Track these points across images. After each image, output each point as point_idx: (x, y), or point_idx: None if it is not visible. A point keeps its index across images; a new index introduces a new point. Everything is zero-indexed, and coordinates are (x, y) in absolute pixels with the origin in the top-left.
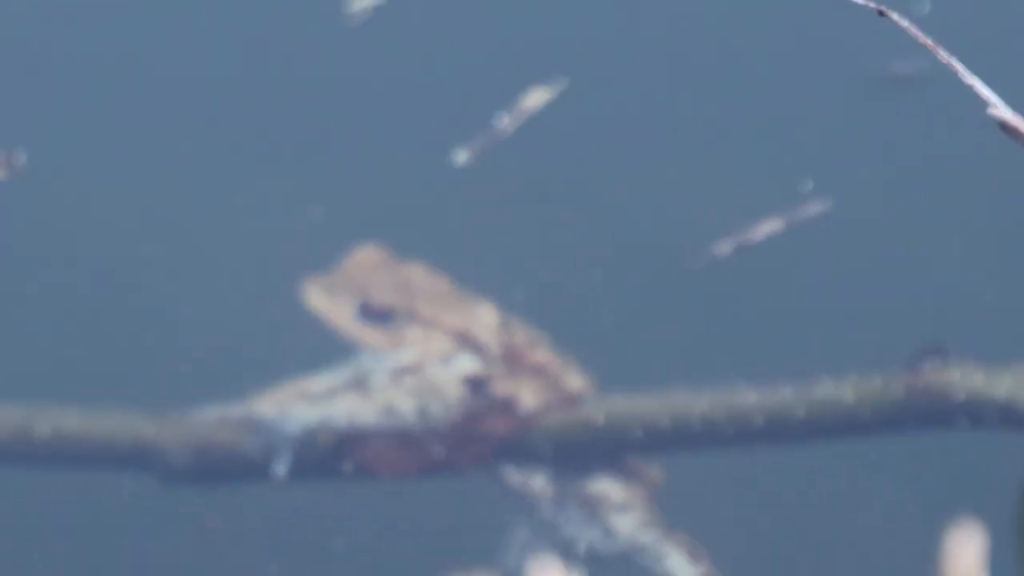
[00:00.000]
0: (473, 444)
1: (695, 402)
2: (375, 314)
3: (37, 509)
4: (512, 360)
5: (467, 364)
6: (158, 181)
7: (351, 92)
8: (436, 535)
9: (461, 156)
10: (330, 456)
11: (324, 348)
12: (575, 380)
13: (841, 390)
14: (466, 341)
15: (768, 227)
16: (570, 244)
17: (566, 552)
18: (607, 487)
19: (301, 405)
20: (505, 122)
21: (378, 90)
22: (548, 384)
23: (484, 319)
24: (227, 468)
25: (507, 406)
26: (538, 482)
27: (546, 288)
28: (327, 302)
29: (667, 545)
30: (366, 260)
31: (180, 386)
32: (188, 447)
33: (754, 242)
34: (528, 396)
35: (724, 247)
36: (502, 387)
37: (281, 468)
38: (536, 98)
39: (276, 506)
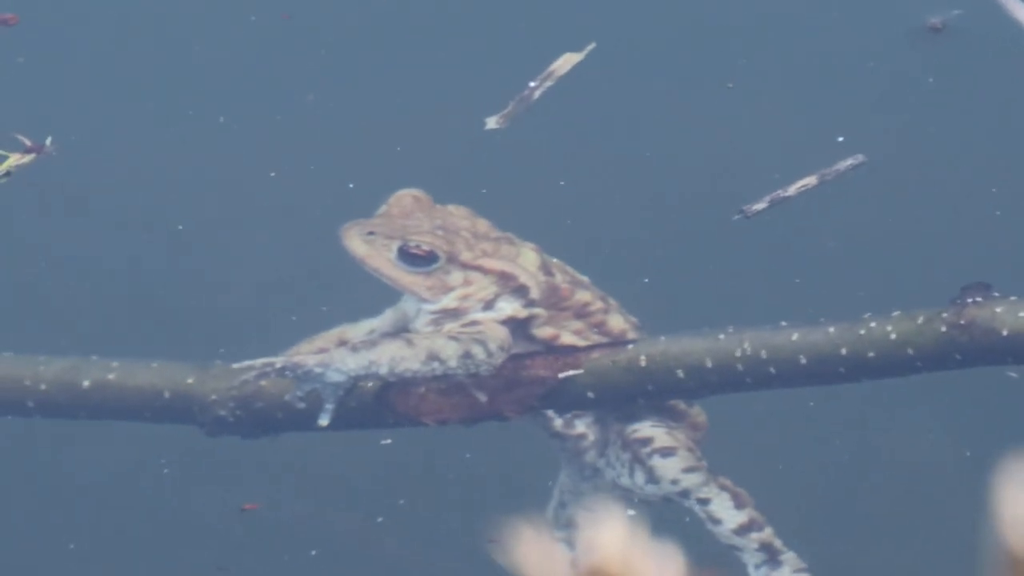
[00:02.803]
0: (517, 389)
1: (738, 342)
2: (415, 258)
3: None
4: (554, 302)
5: (509, 307)
6: (207, 144)
7: (387, 60)
8: (481, 481)
9: (492, 121)
10: (374, 404)
11: (365, 294)
12: (617, 321)
13: (884, 328)
14: (508, 284)
15: (803, 183)
16: (614, 198)
17: (610, 496)
18: (650, 430)
19: (343, 353)
20: (534, 86)
21: (411, 60)
22: (591, 325)
23: (526, 261)
24: (271, 418)
25: (550, 348)
26: (581, 426)
27: (588, 239)
28: (367, 246)
29: (711, 489)
30: (406, 203)
31: (224, 337)
32: (232, 397)
33: (788, 197)
34: (570, 337)
35: (759, 203)
36: (544, 330)
37: (325, 417)
38: (566, 62)
39: (320, 454)
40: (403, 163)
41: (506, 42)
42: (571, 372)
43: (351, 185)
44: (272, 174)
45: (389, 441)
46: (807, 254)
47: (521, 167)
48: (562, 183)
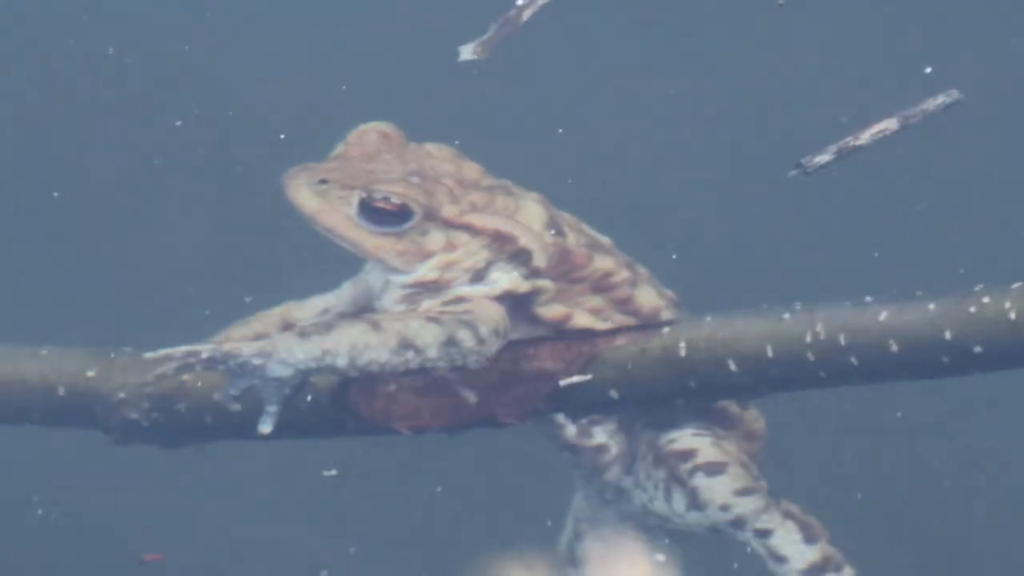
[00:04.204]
0: (516, 386)
1: (808, 323)
2: (382, 214)
3: None
4: (565, 271)
5: (505, 278)
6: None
7: None
8: (471, 507)
9: (467, 51)
10: (330, 406)
11: (316, 261)
12: (649, 297)
13: (1000, 304)
14: (504, 247)
15: (879, 127)
16: (629, 149)
17: (639, 525)
18: (692, 441)
19: (289, 339)
20: (522, 4)
21: None
22: (613, 302)
23: (528, 217)
24: (197, 422)
25: (559, 333)
26: (602, 435)
27: (595, 200)
28: (318, 199)
29: (773, 517)
30: (370, 141)
31: (134, 319)
32: (146, 396)
33: (860, 146)
34: (586, 318)
35: (822, 155)
36: (552, 308)
37: (267, 422)
38: None
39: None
40: (350, 104)
41: None
42: (577, 379)
43: (282, 136)
44: (178, 123)
45: (334, 473)
46: (887, 216)
47: (505, 109)
48: (560, 130)
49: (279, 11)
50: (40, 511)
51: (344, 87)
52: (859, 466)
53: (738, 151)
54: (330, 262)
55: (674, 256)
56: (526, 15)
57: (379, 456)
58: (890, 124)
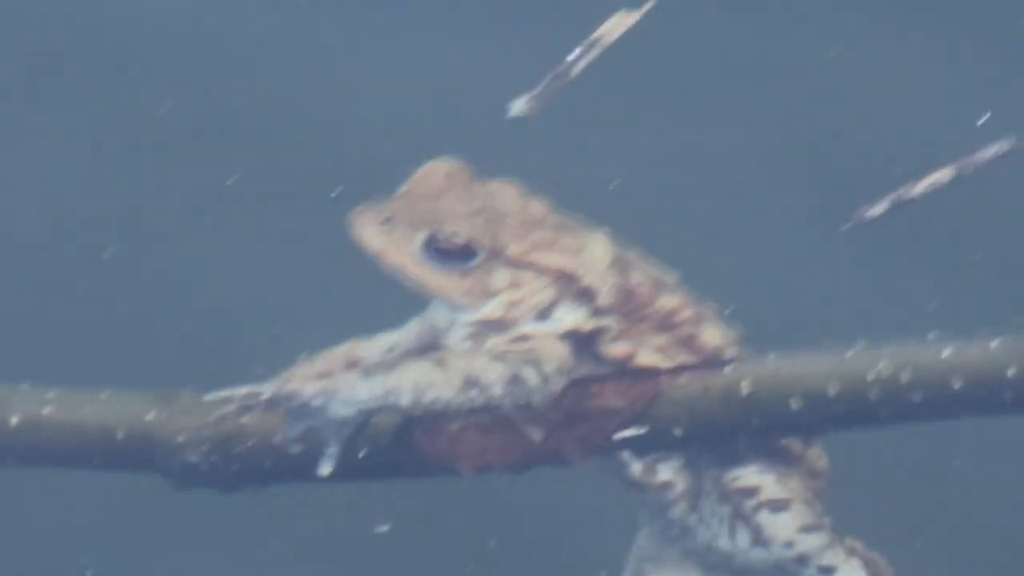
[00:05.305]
0: (581, 424)
1: (871, 361)
2: (447, 253)
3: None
4: (629, 310)
5: (570, 316)
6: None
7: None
8: (537, 544)
9: (517, 106)
10: (392, 446)
11: (381, 301)
12: (713, 335)
13: None
14: (569, 286)
15: (934, 178)
16: (709, 197)
17: (702, 564)
18: (756, 478)
19: (352, 378)
20: (573, 59)
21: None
22: (677, 340)
23: (594, 255)
24: (256, 465)
25: (623, 371)
26: (667, 472)
27: (669, 244)
28: (383, 238)
29: (837, 555)
30: (435, 180)
31: (195, 359)
32: (206, 439)
33: (914, 198)
34: (651, 356)
35: (877, 206)
36: (617, 346)
37: (327, 464)
38: (617, 25)
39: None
40: (392, 168)
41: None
42: (632, 432)
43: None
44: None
45: (386, 529)
46: (945, 261)
47: (555, 162)
48: (613, 185)
49: (322, 63)
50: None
51: (398, 136)
52: (921, 512)
53: (791, 200)
54: (397, 299)
55: (729, 310)
56: (577, 69)
57: (428, 511)
58: (944, 175)
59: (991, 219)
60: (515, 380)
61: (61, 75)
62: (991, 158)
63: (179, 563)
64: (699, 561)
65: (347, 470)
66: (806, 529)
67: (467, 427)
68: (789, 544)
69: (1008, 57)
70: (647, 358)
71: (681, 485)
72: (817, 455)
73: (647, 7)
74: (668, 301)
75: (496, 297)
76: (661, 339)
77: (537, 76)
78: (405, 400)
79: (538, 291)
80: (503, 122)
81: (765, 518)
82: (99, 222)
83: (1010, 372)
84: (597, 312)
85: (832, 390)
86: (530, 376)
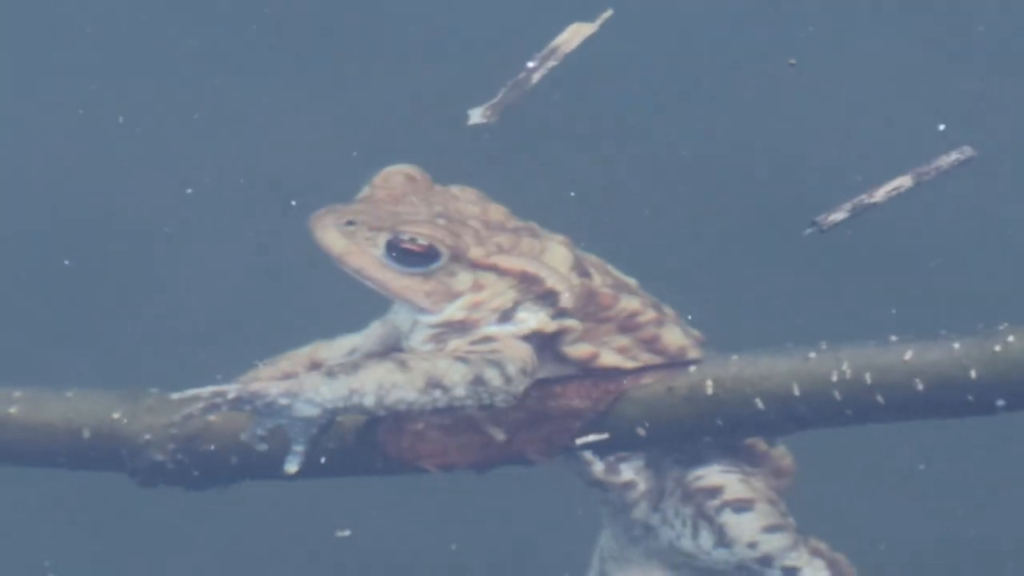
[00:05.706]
0: (544, 424)
1: (834, 362)
2: (410, 255)
3: None
4: (592, 311)
5: (533, 318)
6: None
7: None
8: (499, 546)
9: (476, 114)
10: (357, 445)
11: (344, 302)
12: (675, 336)
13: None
14: (531, 288)
15: (893, 185)
16: (670, 203)
17: (665, 563)
18: (720, 478)
19: (317, 379)
20: (532, 67)
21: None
22: (640, 342)
23: (554, 258)
24: (222, 463)
25: (586, 371)
26: (630, 472)
27: (636, 237)
28: (346, 240)
29: (801, 555)
30: (396, 183)
31: (160, 359)
32: (172, 437)
33: (875, 204)
34: (613, 357)
35: (837, 212)
36: (579, 347)
37: (293, 462)
38: (574, 35)
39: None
40: (356, 171)
41: (497, 10)
42: (593, 438)
43: (293, 203)
44: (188, 191)
45: (347, 533)
46: (905, 267)
47: (515, 170)
48: (572, 194)
49: (282, 79)
50: None
51: (355, 153)
52: (883, 515)
53: (752, 209)
54: (358, 302)
55: (689, 317)
56: (535, 78)
57: (390, 515)
58: (904, 181)
59: (950, 226)
60: (478, 381)
61: (50, 73)
62: (951, 165)
63: (142, 562)
64: (663, 561)
65: (313, 468)
66: (770, 529)
67: (430, 427)
68: (752, 544)
69: (968, 64)
70: (610, 359)
71: (643, 485)
72: (781, 454)
73: (604, 18)
74: (630, 303)
75: (459, 299)
76: (623, 340)
77: (492, 88)
78: (369, 401)
79: (500, 293)
80: (462, 131)
81: (728, 518)
82: (65, 224)
83: (973, 374)
84: (560, 314)
85: (796, 390)
86: (493, 377)
